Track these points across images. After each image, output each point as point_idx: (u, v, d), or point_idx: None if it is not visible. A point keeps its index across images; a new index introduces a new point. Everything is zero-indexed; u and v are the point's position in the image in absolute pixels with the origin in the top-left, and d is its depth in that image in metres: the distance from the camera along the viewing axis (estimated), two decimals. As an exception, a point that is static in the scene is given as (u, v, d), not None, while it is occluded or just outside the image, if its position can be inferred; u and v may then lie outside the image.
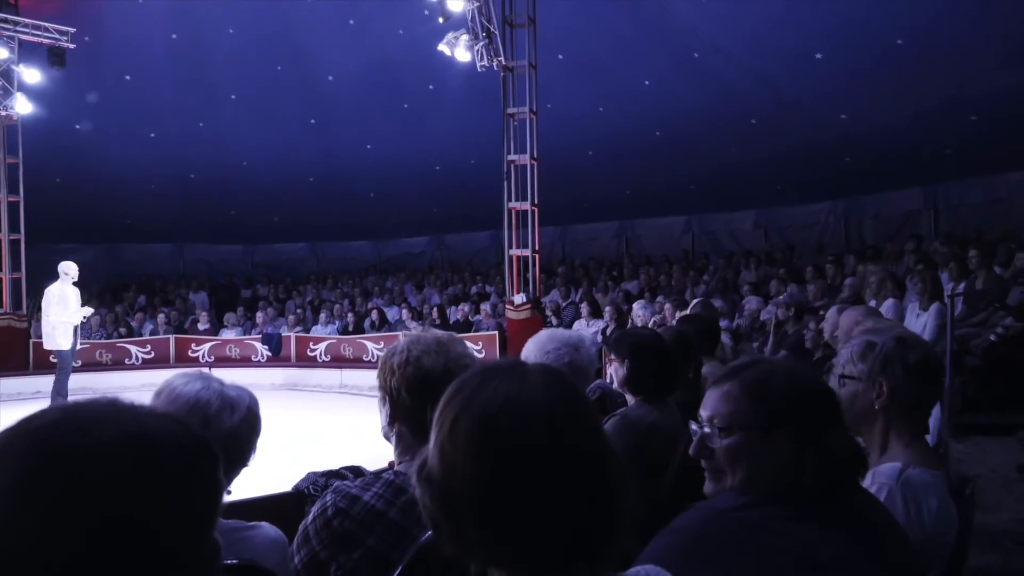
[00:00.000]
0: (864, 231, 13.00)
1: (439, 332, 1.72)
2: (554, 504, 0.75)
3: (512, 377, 0.82)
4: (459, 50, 9.94)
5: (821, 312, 5.54)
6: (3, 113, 11.24)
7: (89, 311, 9.13)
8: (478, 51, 9.90)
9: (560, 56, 11.15)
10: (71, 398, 8.40)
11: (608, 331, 8.38)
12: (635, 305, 7.69)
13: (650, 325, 6.16)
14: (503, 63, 10.09)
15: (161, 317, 12.74)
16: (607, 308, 9.13)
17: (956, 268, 7.27)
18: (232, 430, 1.42)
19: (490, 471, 0.76)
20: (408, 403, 1.59)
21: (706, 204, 14.38)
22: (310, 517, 1.56)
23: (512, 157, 10.25)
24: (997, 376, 5.62)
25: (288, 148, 13.57)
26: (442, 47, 10.01)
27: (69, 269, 8.80)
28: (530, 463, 0.76)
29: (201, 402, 1.42)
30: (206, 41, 12.09)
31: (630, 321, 7.54)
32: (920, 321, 5.73)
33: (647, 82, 11.64)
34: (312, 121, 13.44)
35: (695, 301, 3.88)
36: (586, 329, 9.04)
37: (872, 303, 5.73)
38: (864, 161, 11.64)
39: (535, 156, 10.13)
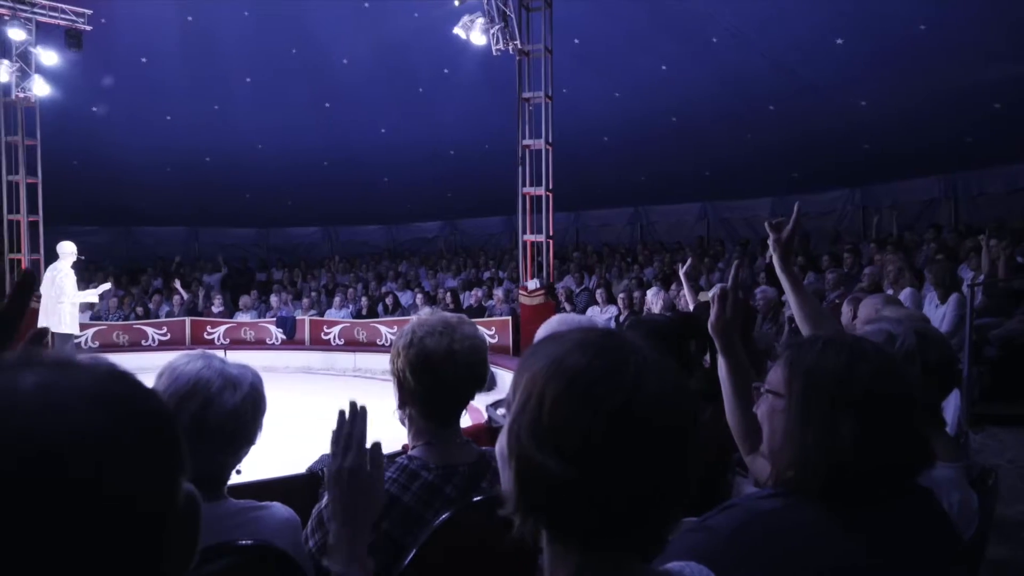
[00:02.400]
0: (882, 220, 12.84)
1: (447, 314, 1.70)
2: (649, 481, 0.72)
3: (616, 346, 0.78)
4: (474, 33, 9.87)
5: (837, 301, 5.49)
6: (21, 95, 11.32)
7: (107, 286, 9.18)
8: (494, 35, 9.83)
9: (576, 41, 11.05)
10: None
11: (622, 318, 8.35)
12: (648, 292, 7.66)
13: (663, 311, 6.13)
14: (519, 47, 10.01)
15: (176, 299, 12.84)
16: (620, 295, 9.09)
17: (976, 258, 7.17)
18: (234, 409, 1.42)
19: (589, 447, 0.72)
20: (413, 385, 1.58)
21: (721, 191, 14.26)
22: (324, 501, 1.55)
23: (527, 142, 10.19)
24: (1015, 366, 5.56)
25: (302, 132, 13.57)
26: (457, 30, 9.94)
27: (72, 248, 8.67)
28: (636, 437, 0.72)
29: (202, 381, 1.42)
30: (221, 24, 12.08)
31: (646, 308, 7.51)
32: (939, 312, 5.67)
33: (664, 67, 11.52)
34: (327, 105, 13.43)
35: (714, 289, 3.86)
36: (599, 315, 9.02)
37: (890, 292, 5.67)
38: (883, 149, 11.48)
39: (550, 141, 10.06)
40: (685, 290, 2.41)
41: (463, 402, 1.66)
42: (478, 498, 1.56)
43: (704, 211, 14.89)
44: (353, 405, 1.22)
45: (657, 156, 13.07)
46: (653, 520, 0.75)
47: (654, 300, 7.25)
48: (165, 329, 12.16)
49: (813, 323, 2.04)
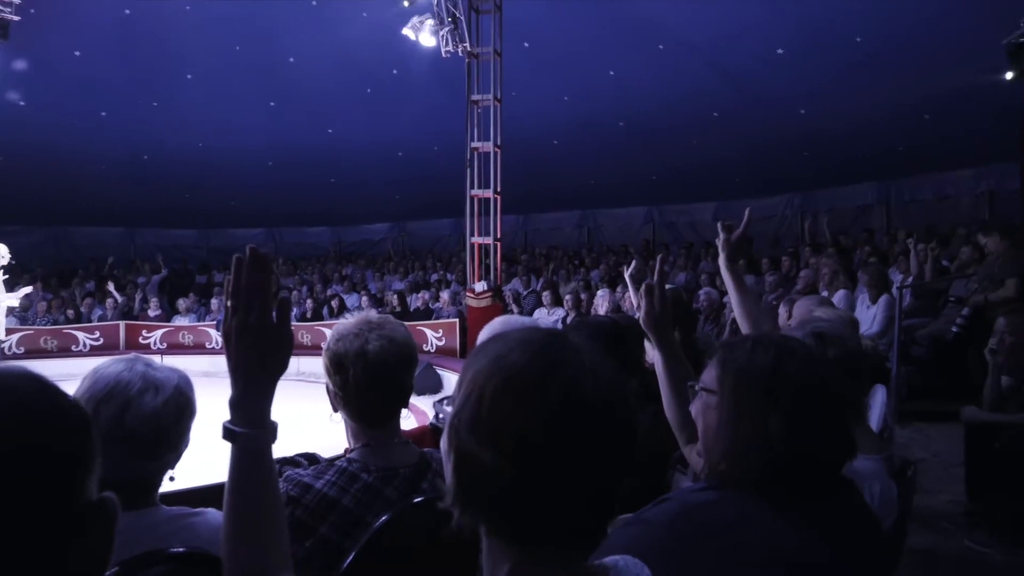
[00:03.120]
0: (815, 224, 13.32)
1: (373, 315, 1.70)
2: (586, 477, 0.73)
3: (556, 345, 0.79)
4: (424, 35, 9.83)
5: (774, 302, 5.66)
6: (-59, 87, 10.76)
7: (28, 288, 8.74)
8: (443, 36, 9.80)
9: (526, 44, 11.11)
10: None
11: (568, 320, 8.43)
12: (597, 293, 7.75)
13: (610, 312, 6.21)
14: (468, 49, 10.01)
15: (110, 302, 12.35)
16: (567, 296, 9.18)
17: (905, 261, 7.49)
18: (155, 412, 1.37)
19: (526, 443, 0.72)
20: (356, 386, 1.57)
21: (667, 195, 14.55)
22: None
23: (475, 144, 10.19)
24: (942, 365, 5.82)
25: (247, 131, 13.28)
26: (407, 31, 9.88)
27: (2, 250, 8.35)
28: (572, 433, 0.73)
29: (121, 383, 1.37)
30: (161, 18, 11.71)
31: (593, 310, 7.60)
32: (870, 312, 5.90)
33: (612, 73, 11.68)
34: (272, 104, 13.17)
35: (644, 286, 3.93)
36: (547, 317, 9.07)
37: (825, 294, 5.87)
38: (821, 156, 11.90)
39: (499, 144, 10.09)
40: (631, 292, 2.45)
41: (390, 403, 1.64)
42: (419, 499, 1.56)
43: (650, 215, 15.17)
44: (253, 251, 1.08)
45: (605, 160, 13.24)
46: (589, 516, 0.76)
47: (601, 302, 7.34)
48: (97, 334, 11.68)
49: (752, 322, 2.12)
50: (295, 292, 12.98)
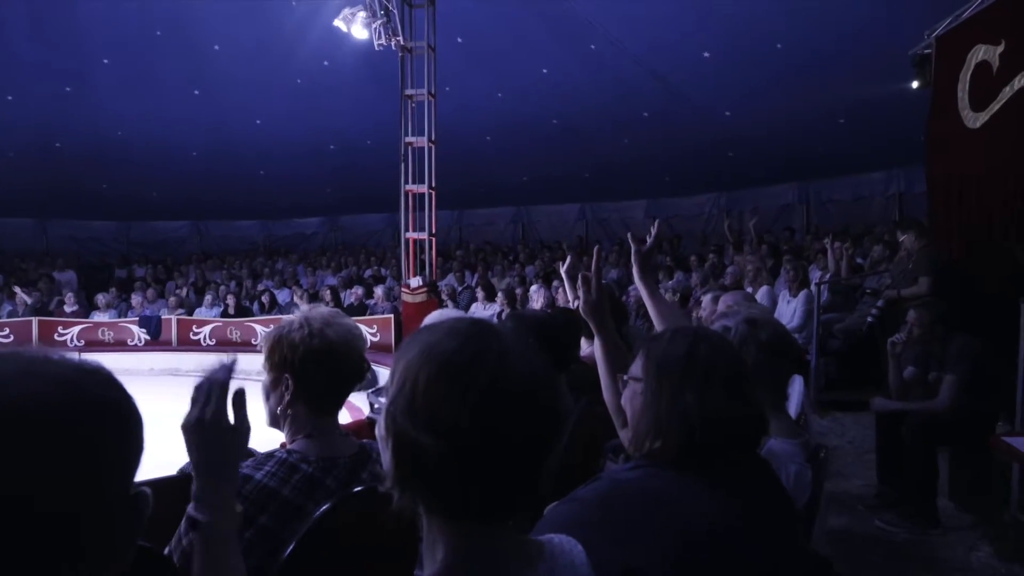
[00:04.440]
0: (744, 222, 13.84)
1: (325, 308, 1.73)
2: (514, 455, 0.79)
3: (482, 333, 0.84)
4: (356, 27, 9.67)
5: (702, 298, 5.87)
6: None
7: None
8: (376, 29, 9.67)
9: (459, 39, 11.09)
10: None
11: (503, 315, 8.49)
12: (531, 289, 7.84)
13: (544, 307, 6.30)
14: (401, 43, 9.92)
15: (20, 298, 11.66)
16: (501, 292, 9.25)
17: (823, 259, 7.88)
18: None
19: (458, 424, 0.77)
20: (316, 377, 1.60)
21: (599, 193, 14.82)
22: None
23: (410, 139, 10.12)
24: (857, 357, 6.16)
25: (169, 119, 12.77)
26: (338, 23, 9.71)
27: None
28: (501, 414, 0.78)
29: None
30: (75, -2, 11.13)
31: (527, 305, 7.68)
32: (790, 307, 6.19)
33: (545, 70, 11.79)
34: (196, 92, 12.70)
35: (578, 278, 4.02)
36: (482, 312, 9.11)
37: (749, 290, 6.13)
38: (745, 157, 12.36)
39: (433, 139, 10.05)
40: (566, 286, 2.50)
41: (349, 392, 1.69)
42: (359, 488, 1.58)
43: (583, 212, 15.41)
44: (225, 361, 1.21)
45: (539, 157, 13.37)
46: (520, 492, 0.81)
47: (535, 297, 7.44)
48: (7, 330, 11.02)
49: (668, 322, 2.24)
50: (223, 287, 12.57)
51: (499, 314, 8.56)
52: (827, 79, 10.05)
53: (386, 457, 0.83)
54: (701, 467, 1.24)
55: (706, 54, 10.54)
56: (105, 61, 12.02)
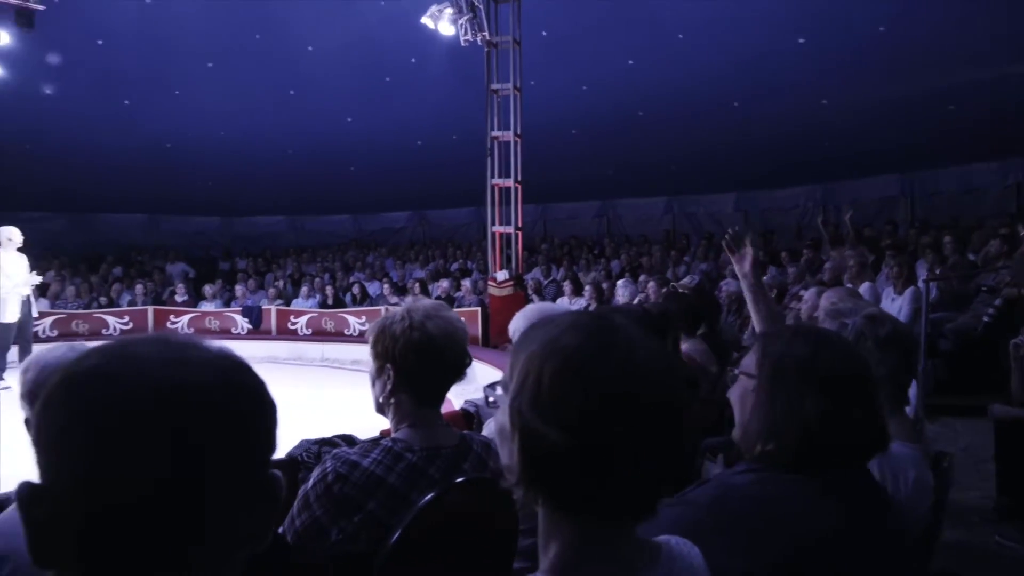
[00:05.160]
0: (842, 216, 13.20)
1: (429, 300, 1.76)
2: (641, 451, 0.77)
3: (606, 327, 0.83)
4: (443, 24, 9.82)
5: (800, 293, 5.64)
6: (-31, 76, 10.91)
7: (37, 279, 8.63)
8: (462, 25, 9.79)
9: (544, 33, 11.07)
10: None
11: (590, 309, 8.45)
12: (618, 283, 7.76)
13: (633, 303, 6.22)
14: (487, 38, 9.99)
15: (139, 288, 12.56)
16: (588, 286, 9.19)
17: (931, 254, 7.42)
18: None
19: (587, 418, 0.77)
20: (416, 368, 1.62)
21: (687, 186, 14.47)
22: (310, 483, 1.57)
23: (495, 133, 10.20)
24: (968, 359, 5.77)
25: (266, 119, 13.34)
26: (425, 20, 9.88)
27: (12, 235, 8.26)
28: (629, 408, 0.77)
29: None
30: (181, 7, 11.78)
31: (614, 299, 7.62)
32: (895, 305, 5.87)
33: (631, 62, 11.61)
34: (291, 92, 13.22)
35: (685, 279, 3.94)
36: (569, 307, 9.10)
37: (849, 286, 5.84)
38: (843, 147, 11.78)
39: (518, 133, 10.09)
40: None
41: (451, 385, 1.71)
42: (461, 479, 1.60)
43: (670, 205, 15.10)
44: None
45: (624, 150, 13.18)
46: (647, 491, 0.80)
47: (622, 292, 7.35)
48: (127, 318, 11.88)
49: (773, 324, 2.20)
50: (317, 279, 13.10)
51: (585, 308, 8.53)
52: (936, 63, 9.44)
53: (506, 451, 0.83)
54: (814, 473, 1.19)
55: (801, 40, 10.09)
56: (209, 65, 12.68)
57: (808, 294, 3.64)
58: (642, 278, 8.89)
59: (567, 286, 9.84)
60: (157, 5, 11.79)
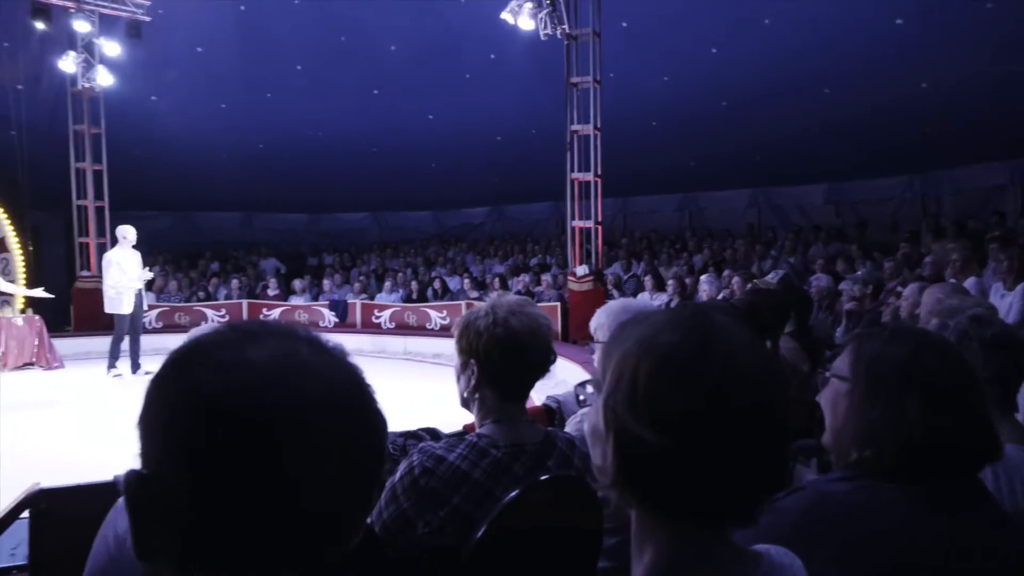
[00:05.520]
0: (943, 207, 12.42)
1: (519, 296, 1.76)
2: (743, 453, 0.75)
3: (705, 324, 0.80)
4: (522, 18, 9.85)
5: (899, 290, 5.36)
6: (87, 85, 11.74)
7: (149, 275, 9.16)
8: (541, 19, 9.79)
9: (624, 24, 10.92)
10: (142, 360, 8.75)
11: (672, 304, 8.29)
12: (702, 278, 7.58)
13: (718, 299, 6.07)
14: (566, 31, 9.95)
15: (234, 283, 13.26)
16: (670, 281, 9.02)
17: (1045, 246, 6.88)
18: None
19: (686, 419, 0.75)
20: (498, 364, 1.63)
21: (774, 177, 13.96)
22: (397, 475, 1.61)
23: (575, 127, 10.15)
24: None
25: (351, 118, 13.73)
26: (505, 15, 9.93)
27: (127, 233, 8.87)
28: (731, 409, 0.75)
29: None
30: (273, 12, 12.28)
31: (697, 295, 7.45)
32: (1005, 302, 5.49)
33: (714, 50, 11.30)
34: (375, 91, 13.56)
35: (770, 275, 3.81)
36: (650, 302, 8.95)
37: (953, 281, 5.51)
38: (944, 133, 11.08)
39: (598, 126, 10.01)
40: None
41: (535, 382, 1.71)
42: (545, 476, 1.61)
43: (755, 198, 14.62)
44: None
45: (707, 141, 12.85)
46: (744, 495, 0.77)
47: (706, 287, 7.18)
48: (224, 311, 12.58)
49: None
50: (400, 274, 13.44)
51: (667, 304, 8.38)
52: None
53: (599, 451, 0.81)
54: (916, 483, 1.13)
55: (899, 21, 9.55)
56: (298, 67, 13.17)
57: (908, 290, 3.46)
58: (726, 273, 8.65)
59: (648, 281, 9.70)
60: (251, 13, 12.34)
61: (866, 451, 1.18)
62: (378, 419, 0.63)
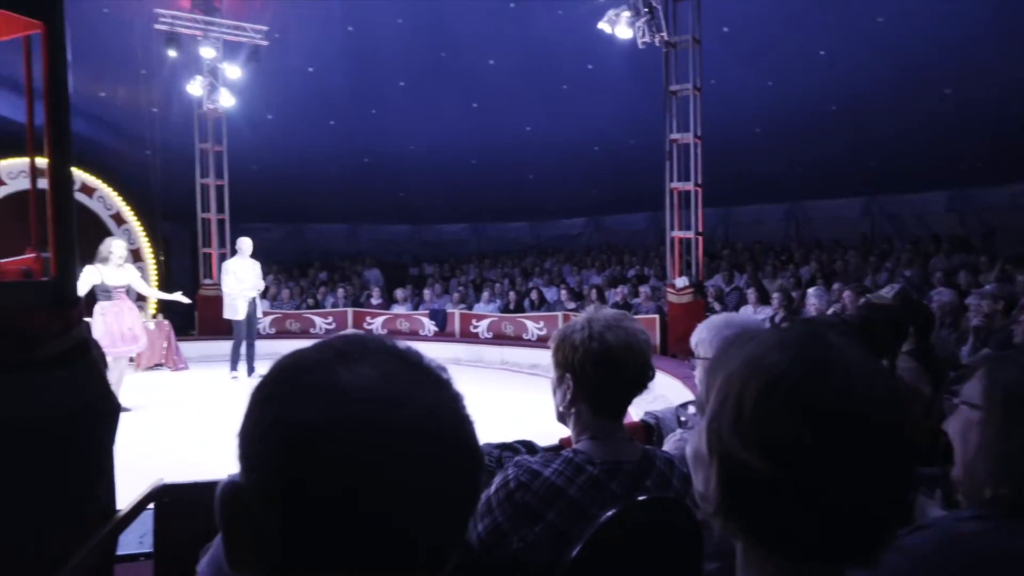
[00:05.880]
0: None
1: (617, 310, 1.73)
2: (863, 487, 0.69)
3: (818, 344, 0.74)
4: (620, 27, 9.78)
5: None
6: (211, 106, 12.64)
7: (261, 285, 9.64)
8: (639, 27, 9.68)
9: (725, 29, 10.64)
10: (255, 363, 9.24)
11: (777, 318, 7.95)
12: (809, 292, 7.23)
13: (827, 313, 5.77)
14: (665, 38, 9.80)
15: (340, 291, 13.86)
16: (775, 294, 8.65)
17: None
18: None
19: (798, 446, 0.69)
20: (593, 379, 1.60)
21: (889, 184, 13.17)
22: (492, 488, 1.62)
23: (674, 136, 9.97)
24: None
25: (451, 132, 14.06)
26: (602, 25, 9.89)
27: (243, 244, 9.43)
28: (848, 439, 0.69)
29: None
30: (378, 32, 12.77)
31: (804, 309, 7.12)
32: None
33: (822, 52, 10.81)
34: (474, 105, 13.83)
35: (884, 288, 3.58)
36: (753, 316, 8.64)
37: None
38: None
39: (699, 135, 9.78)
40: None
41: (632, 397, 1.68)
42: (644, 497, 1.57)
43: (868, 206, 13.83)
44: None
45: (815, 147, 12.31)
46: (864, 532, 0.71)
47: (814, 301, 6.84)
48: (331, 318, 13.17)
49: None
50: (498, 285, 13.61)
51: (772, 318, 8.05)
52: None
53: (701, 477, 0.77)
54: None
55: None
56: (401, 84, 13.63)
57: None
58: (836, 286, 8.21)
59: (751, 294, 9.35)
60: (358, 33, 12.90)
61: (1002, 488, 1.08)
62: (470, 449, 0.61)
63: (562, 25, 11.77)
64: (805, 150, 12.46)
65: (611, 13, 9.77)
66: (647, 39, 9.73)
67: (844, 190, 13.71)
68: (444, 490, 0.58)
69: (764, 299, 9.05)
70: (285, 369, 0.61)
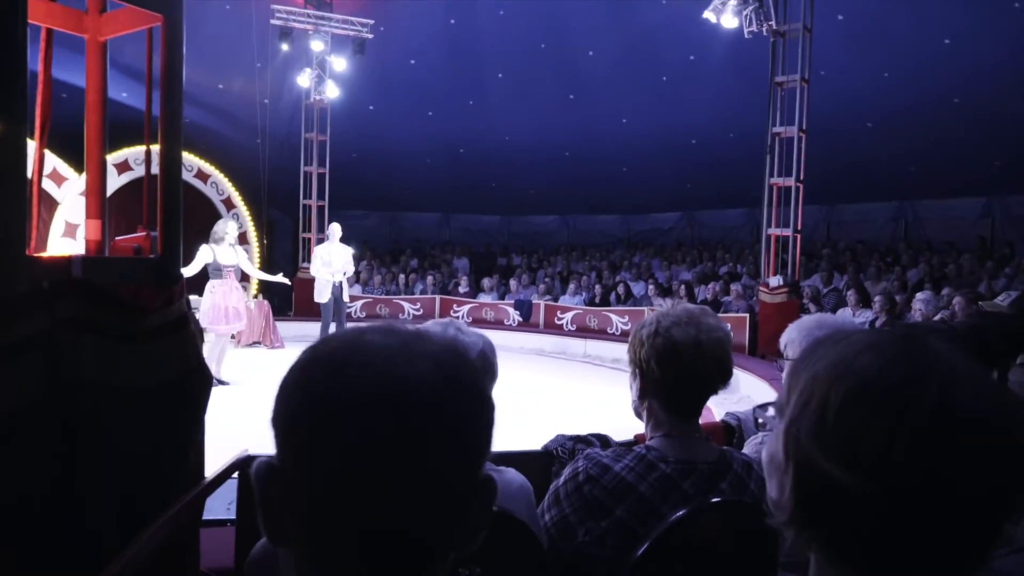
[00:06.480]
0: None
1: (690, 305, 1.67)
2: (959, 506, 0.63)
3: (916, 351, 0.68)
4: (725, 16, 9.47)
5: None
6: (317, 97, 13.18)
7: (351, 271, 9.86)
8: (746, 16, 9.34)
9: (840, 17, 10.10)
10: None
11: (878, 323, 7.52)
12: (916, 296, 6.80)
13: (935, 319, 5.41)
14: (774, 27, 9.41)
15: (429, 279, 14.17)
16: (877, 298, 8.17)
17: None
18: None
19: (886, 459, 0.63)
20: (658, 375, 1.57)
21: (1014, 184, 12.17)
22: (561, 479, 1.61)
23: (777, 129, 9.58)
24: None
25: (546, 123, 14.05)
26: (708, 14, 9.61)
27: (333, 230, 9.71)
28: (947, 455, 0.63)
29: None
30: (480, 23, 12.91)
31: (910, 314, 6.70)
32: None
33: (947, 40, 10.08)
34: (571, 96, 13.76)
35: (1004, 295, 3.31)
36: (850, 319, 8.20)
37: None
38: None
39: (804, 128, 9.35)
40: None
41: (705, 396, 1.63)
42: (717, 499, 1.52)
43: (989, 207, 12.83)
44: None
45: (931, 143, 11.51)
46: (954, 553, 0.64)
47: (921, 306, 6.41)
48: (419, 304, 13.50)
49: None
50: (584, 277, 13.53)
51: (872, 322, 7.61)
52: None
53: (776, 484, 0.72)
54: None
55: None
56: (499, 75, 13.72)
57: None
58: (946, 291, 7.68)
59: (851, 296, 8.87)
60: (460, 25, 13.09)
61: None
62: (479, 421, 0.64)
63: (665, 15, 11.52)
64: (920, 146, 11.69)
65: (717, 2, 9.49)
66: (754, 28, 9.39)
67: (962, 189, 12.78)
68: (462, 443, 0.62)
69: (865, 302, 8.57)
70: (313, 356, 0.64)
